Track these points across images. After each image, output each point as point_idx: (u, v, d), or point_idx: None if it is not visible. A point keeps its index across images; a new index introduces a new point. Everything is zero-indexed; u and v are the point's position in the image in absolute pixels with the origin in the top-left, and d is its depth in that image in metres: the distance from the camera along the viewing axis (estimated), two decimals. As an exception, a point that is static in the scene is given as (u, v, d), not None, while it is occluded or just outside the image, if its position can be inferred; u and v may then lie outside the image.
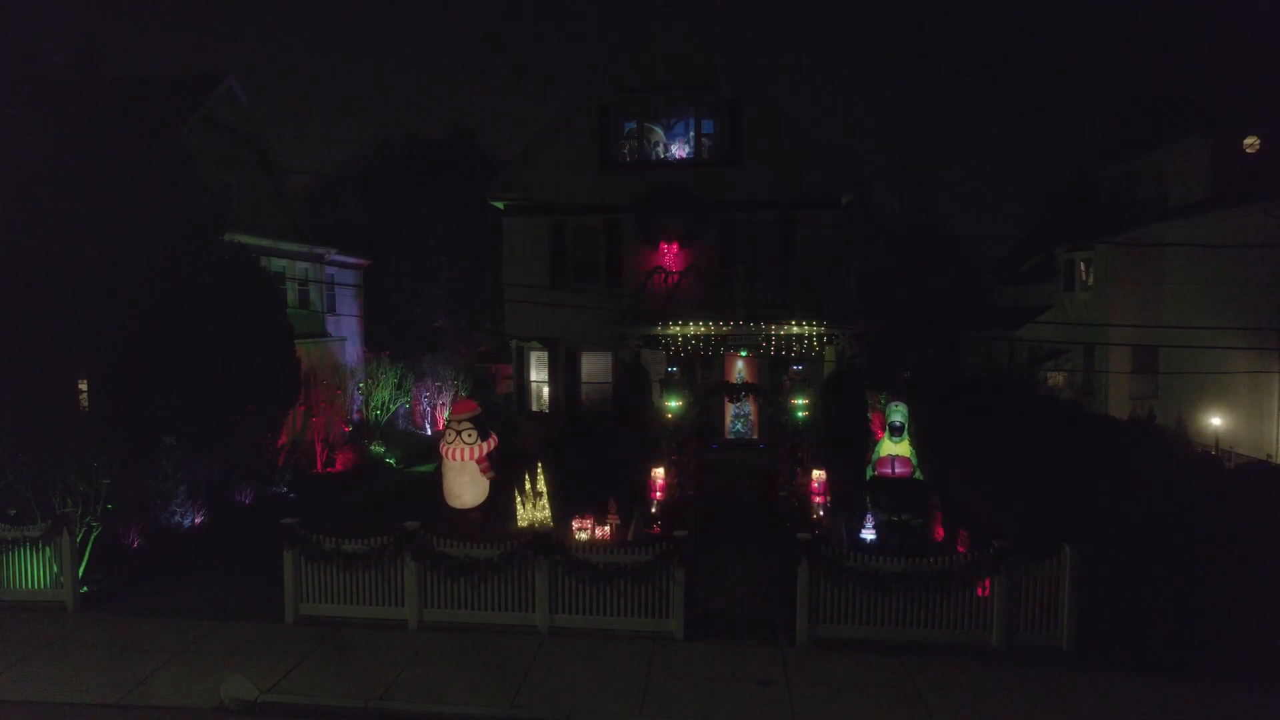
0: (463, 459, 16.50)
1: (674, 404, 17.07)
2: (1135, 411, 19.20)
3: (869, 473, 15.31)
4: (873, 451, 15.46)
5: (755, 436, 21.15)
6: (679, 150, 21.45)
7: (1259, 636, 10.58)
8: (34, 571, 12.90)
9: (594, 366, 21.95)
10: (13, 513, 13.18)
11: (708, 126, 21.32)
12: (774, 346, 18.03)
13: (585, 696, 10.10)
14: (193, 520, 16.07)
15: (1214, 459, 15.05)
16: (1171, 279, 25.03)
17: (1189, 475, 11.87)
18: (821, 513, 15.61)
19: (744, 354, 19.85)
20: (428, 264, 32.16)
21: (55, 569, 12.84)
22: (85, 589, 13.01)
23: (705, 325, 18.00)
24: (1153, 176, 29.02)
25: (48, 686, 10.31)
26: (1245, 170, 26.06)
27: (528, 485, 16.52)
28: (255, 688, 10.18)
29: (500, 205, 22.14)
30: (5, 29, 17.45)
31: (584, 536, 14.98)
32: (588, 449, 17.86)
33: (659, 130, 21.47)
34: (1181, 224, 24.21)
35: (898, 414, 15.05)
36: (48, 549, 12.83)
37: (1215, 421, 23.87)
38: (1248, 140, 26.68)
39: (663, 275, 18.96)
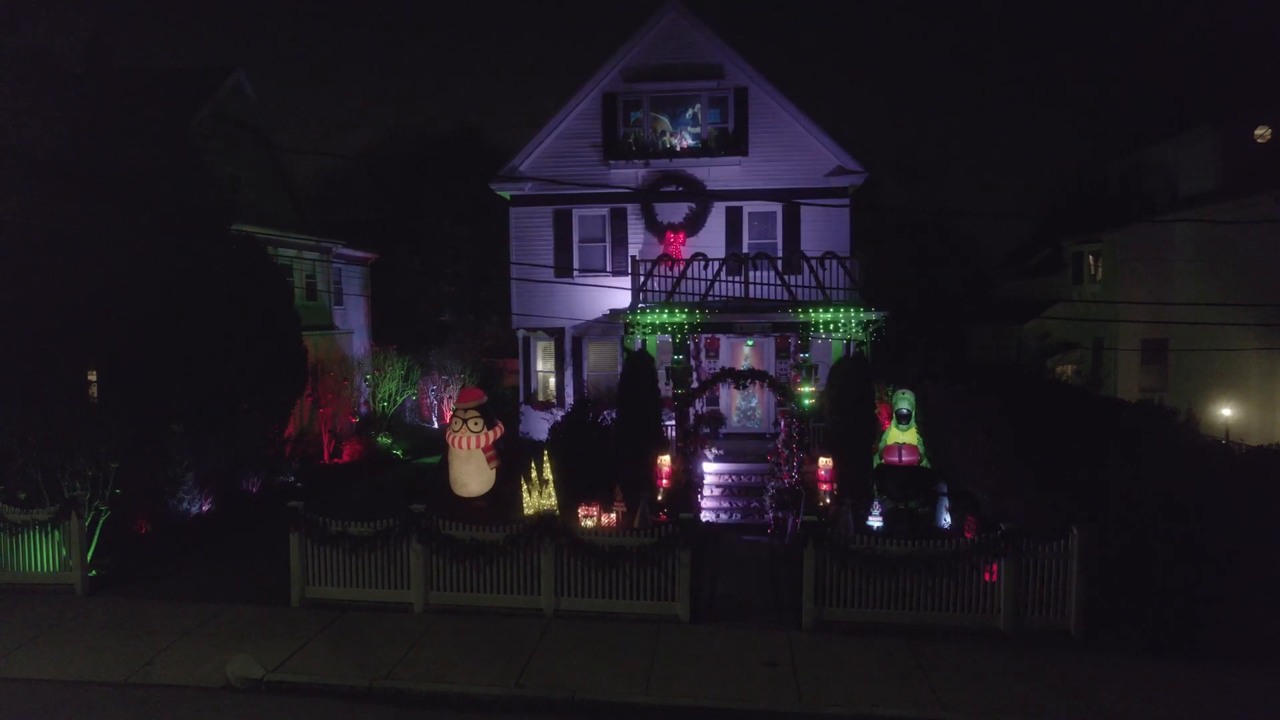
0: (469, 447, 16.50)
1: (680, 392, 17.05)
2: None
3: (876, 461, 15.28)
4: (880, 439, 15.43)
5: (761, 425, 21.12)
6: (685, 138, 21.44)
7: (1269, 621, 10.50)
8: (43, 554, 12.98)
9: (600, 356, 21.97)
10: (22, 496, 13.29)
11: (714, 115, 21.29)
12: (780, 335, 17.98)
13: (590, 677, 10.09)
14: (200, 507, 16.15)
15: (1224, 447, 14.91)
16: (1180, 272, 24.91)
17: (1198, 459, 11.78)
18: (828, 500, 15.57)
19: (750, 342, 19.84)
20: (434, 258, 32.22)
21: (64, 552, 12.92)
22: (94, 572, 13.09)
23: (711, 313, 17.97)
24: (1161, 168, 28.86)
25: (56, 665, 10.38)
26: (1255, 160, 25.90)
27: (534, 474, 16.52)
28: (261, 667, 10.21)
29: (506, 195, 22.17)
30: (14, 24, 17.49)
31: (590, 523, 14.96)
32: (594, 438, 17.84)
33: (665, 119, 21.46)
34: (1191, 214, 24.08)
35: (905, 402, 15.02)
36: (57, 532, 12.92)
37: (1225, 413, 23.76)
38: (1259, 131, 26.51)
39: (669, 263, 18.95)
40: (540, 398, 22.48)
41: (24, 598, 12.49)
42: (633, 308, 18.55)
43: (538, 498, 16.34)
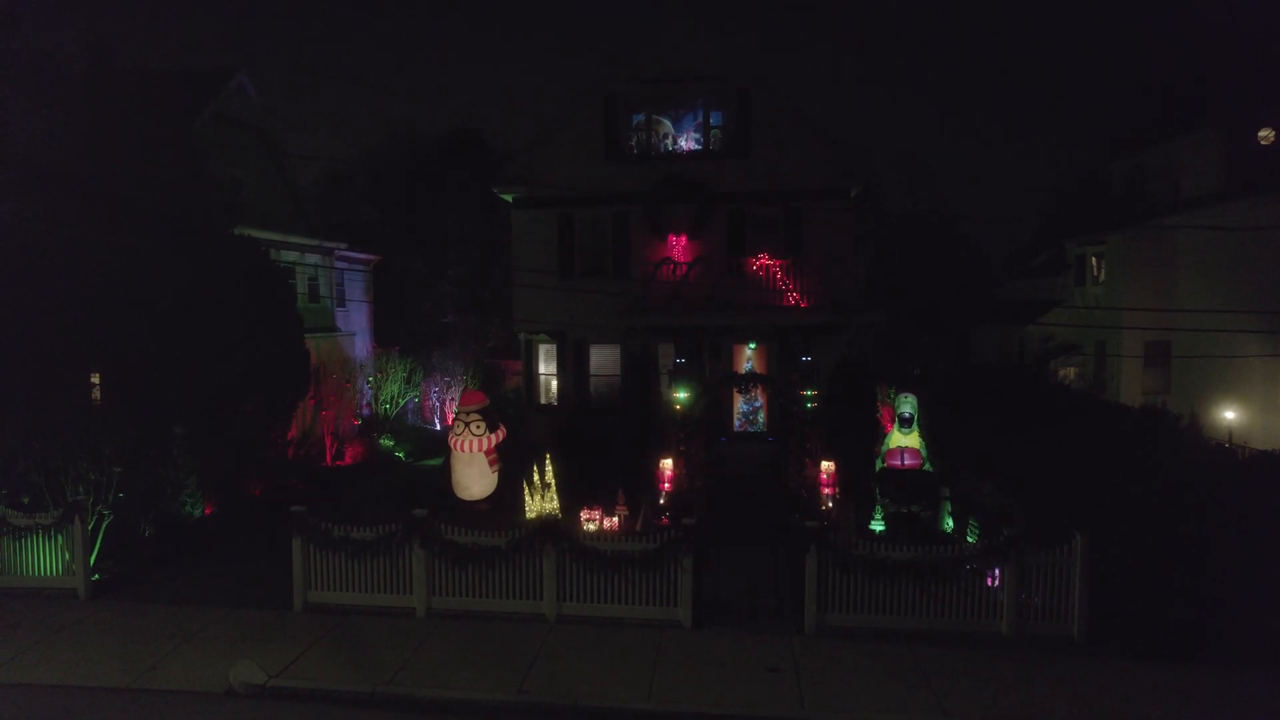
0: (471, 451, 16.53)
1: (682, 395, 17.03)
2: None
3: (878, 464, 15.25)
4: (882, 443, 15.40)
5: (764, 428, 21.10)
6: (687, 141, 21.42)
7: (1273, 624, 10.48)
8: (47, 558, 12.99)
9: (602, 359, 21.95)
10: (26, 500, 13.30)
11: (716, 118, 21.28)
12: (782, 337, 17.97)
13: (592, 683, 10.09)
14: (203, 510, 16.15)
15: (1226, 450, 14.91)
16: (1183, 273, 24.87)
17: (1201, 463, 11.77)
18: (830, 504, 15.55)
19: (752, 345, 19.82)
20: (437, 259, 32.21)
21: (67, 556, 12.93)
22: (97, 576, 13.10)
23: (713, 316, 17.98)
24: (1164, 170, 28.83)
25: (60, 670, 10.39)
26: (1259, 162, 25.86)
27: (536, 477, 16.52)
28: (264, 672, 10.22)
29: (508, 197, 22.17)
30: (14, 25, 17.49)
31: (592, 527, 14.96)
32: (596, 441, 17.85)
33: (667, 122, 21.44)
34: (1194, 216, 24.06)
35: (907, 405, 14.97)
36: (60, 536, 12.92)
37: (1229, 416, 23.73)
38: (1262, 132, 26.46)
39: (671, 267, 18.96)
40: (542, 400, 22.48)
41: (27, 602, 12.50)
42: (635, 310, 18.56)
43: (540, 501, 16.35)
